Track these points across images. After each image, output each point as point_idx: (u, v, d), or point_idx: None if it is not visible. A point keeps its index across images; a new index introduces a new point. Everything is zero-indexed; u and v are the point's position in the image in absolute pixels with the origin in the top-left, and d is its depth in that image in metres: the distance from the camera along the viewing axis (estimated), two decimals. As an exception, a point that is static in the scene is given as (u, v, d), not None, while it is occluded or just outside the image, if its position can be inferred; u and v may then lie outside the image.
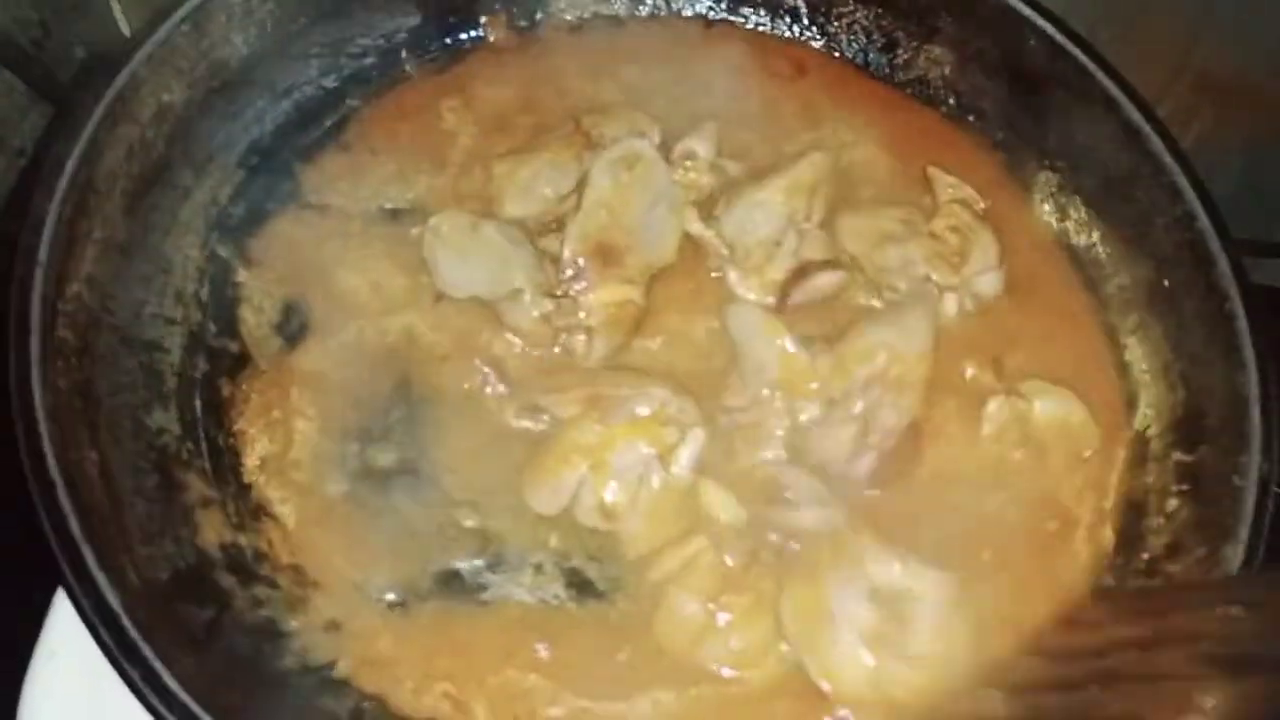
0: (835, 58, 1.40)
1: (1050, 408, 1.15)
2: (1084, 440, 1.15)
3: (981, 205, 1.27)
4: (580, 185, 1.20)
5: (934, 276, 1.20)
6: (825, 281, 1.19)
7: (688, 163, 1.24)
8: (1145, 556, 1.10)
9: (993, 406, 1.14)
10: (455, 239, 1.18)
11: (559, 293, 1.16)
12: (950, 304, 1.20)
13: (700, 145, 1.25)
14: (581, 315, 1.16)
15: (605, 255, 1.17)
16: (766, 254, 1.20)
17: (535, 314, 1.16)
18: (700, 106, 1.30)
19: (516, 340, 1.16)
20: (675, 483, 1.08)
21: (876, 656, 0.99)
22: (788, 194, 1.21)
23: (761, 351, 1.12)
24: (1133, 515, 1.13)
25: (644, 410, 1.08)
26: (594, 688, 1.01)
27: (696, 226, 1.22)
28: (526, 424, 1.12)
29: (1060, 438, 1.15)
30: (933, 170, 1.28)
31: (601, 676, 1.02)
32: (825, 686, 1.00)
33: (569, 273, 1.15)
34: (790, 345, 1.11)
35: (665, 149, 1.24)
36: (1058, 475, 1.14)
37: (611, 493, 1.07)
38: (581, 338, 1.15)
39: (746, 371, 1.13)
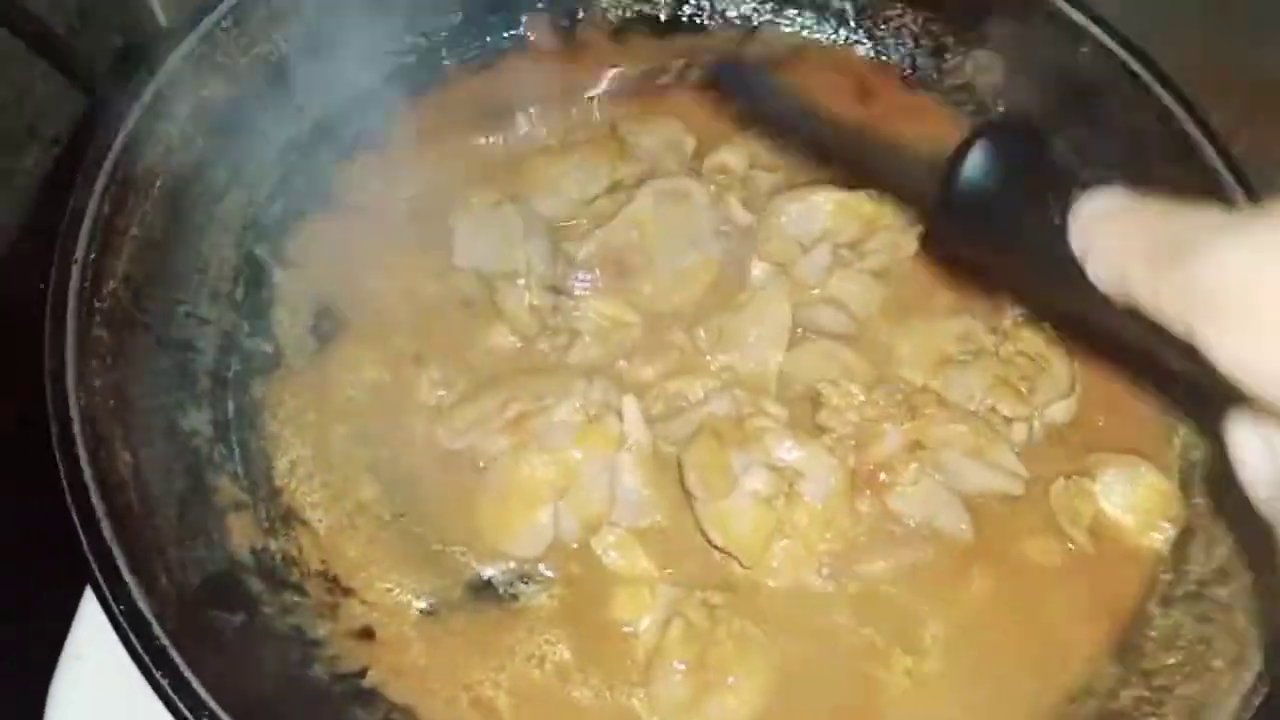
0: (907, 82, 1.38)
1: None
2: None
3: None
4: (612, 190, 1.20)
5: (1000, 408, 1.12)
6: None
7: (720, 176, 1.22)
8: (1191, 579, 1.08)
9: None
10: (479, 211, 1.19)
11: (561, 289, 1.15)
12: (1020, 435, 1.13)
13: (733, 158, 1.23)
14: (576, 315, 1.15)
15: (619, 270, 1.16)
16: (795, 253, 1.17)
17: (528, 301, 1.14)
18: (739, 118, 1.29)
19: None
20: (641, 451, 1.07)
21: (764, 518, 1.03)
22: (838, 207, 1.18)
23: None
24: (1181, 538, 1.10)
25: (570, 413, 1.06)
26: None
27: (741, 214, 1.20)
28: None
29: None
30: None
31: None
32: (715, 536, 1.03)
33: (579, 273, 1.15)
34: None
35: (699, 159, 1.24)
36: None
37: (591, 506, 1.06)
38: (564, 339, 1.14)
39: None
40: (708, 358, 1.15)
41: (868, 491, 1.08)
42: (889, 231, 1.20)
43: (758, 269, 1.18)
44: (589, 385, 1.08)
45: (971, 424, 1.10)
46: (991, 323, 1.19)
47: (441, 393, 1.12)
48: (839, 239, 1.19)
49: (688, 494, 1.04)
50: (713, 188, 1.21)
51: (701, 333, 1.15)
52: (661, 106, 1.32)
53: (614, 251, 1.16)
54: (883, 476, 1.08)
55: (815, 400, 1.11)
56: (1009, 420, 1.13)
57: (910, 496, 1.08)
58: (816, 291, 1.17)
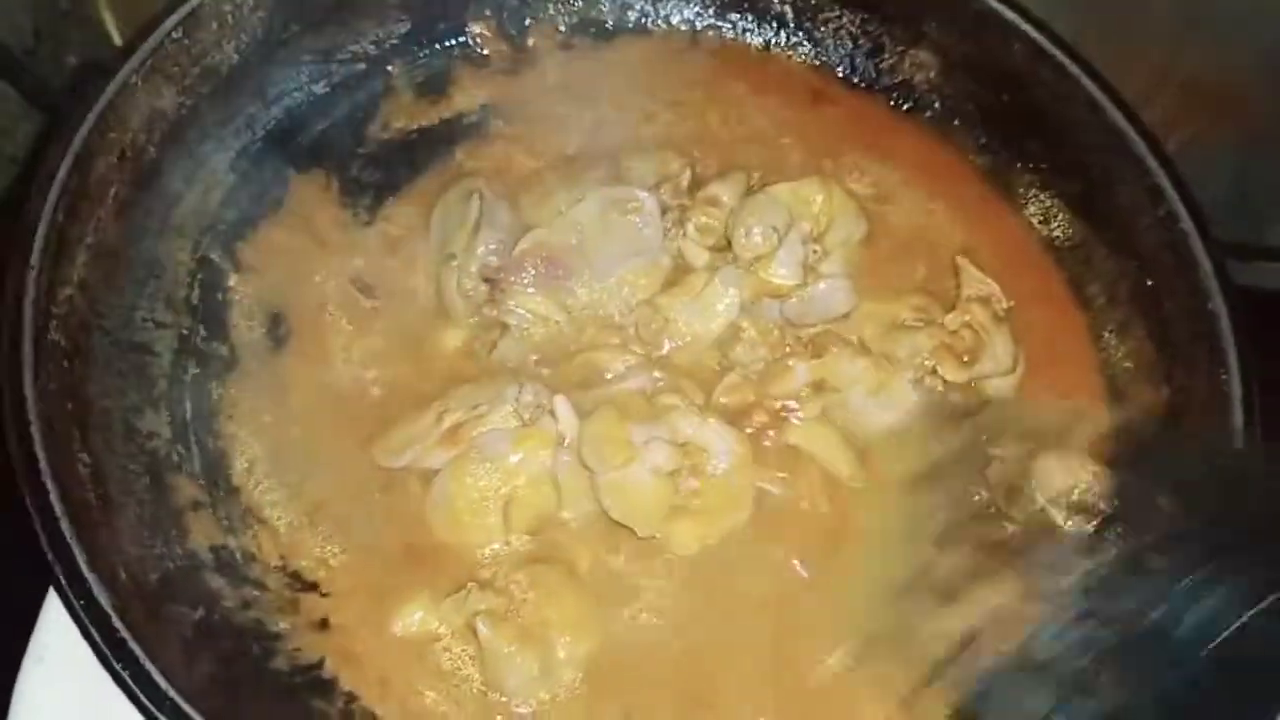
0: (854, 85, 1.41)
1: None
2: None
3: (1005, 305, 1.23)
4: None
5: (939, 370, 1.17)
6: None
7: (711, 209, 1.22)
8: (1130, 552, 1.10)
9: None
10: (452, 198, 1.22)
11: (495, 281, 1.17)
12: (954, 398, 1.18)
13: (726, 193, 1.23)
14: (511, 305, 1.17)
15: (552, 268, 1.18)
16: (764, 250, 1.19)
17: (459, 284, 1.17)
18: (697, 133, 1.34)
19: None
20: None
21: (661, 492, 1.06)
22: (792, 195, 1.21)
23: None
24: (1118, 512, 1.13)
25: (505, 419, 1.08)
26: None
27: (699, 256, 1.22)
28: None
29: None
30: (961, 260, 1.25)
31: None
32: (610, 507, 1.06)
33: (513, 267, 1.17)
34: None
35: (693, 189, 1.25)
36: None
37: (537, 506, 1.08)
38: (496, 333, 1.17)
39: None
40: (648, 346, 1.18)
41: (770, 430, 1.13)
42: (843, 220, 1.24)
43: (701, 259, 1.21)
44: (520, 389, 1.10)
45: (872, 359, 1.15)
46: (945, 297, 1.23)
47: (377, 391, 1.16)
48: (803, 232, 1.21)
49: (584, 466, 1.07)
50: (669, 213, 1.23)
51: (645, 322, 1.18)
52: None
53: (550, 248, 1.18)
54: (785, 405, 1.14)
55: (733, 336, 1.16)
56: (946, 384, 1.17)
57: (807, 430, 1.13)
58: (795, 299, 1.19)
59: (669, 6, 1.43)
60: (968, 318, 1.20)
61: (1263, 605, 0.83)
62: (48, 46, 1.55)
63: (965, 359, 1.18)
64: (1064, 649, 0.95)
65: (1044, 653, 0.95)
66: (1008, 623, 0.99)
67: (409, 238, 1.24)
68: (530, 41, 1.40)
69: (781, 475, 1.12)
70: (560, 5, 1.41)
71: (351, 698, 1.01)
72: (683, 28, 1.43)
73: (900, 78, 1.39)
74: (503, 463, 1.07)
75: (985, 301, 1.22)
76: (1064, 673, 0.94)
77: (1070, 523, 1.05)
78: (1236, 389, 1.08)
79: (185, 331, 1.16)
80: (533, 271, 1.18)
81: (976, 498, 1.12)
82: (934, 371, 1.17)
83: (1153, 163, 1.20)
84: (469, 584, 1.04)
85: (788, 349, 1.17)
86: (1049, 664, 0.95)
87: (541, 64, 1.39)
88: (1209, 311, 1.12)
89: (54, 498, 0.93)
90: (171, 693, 0.88)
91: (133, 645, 0.89)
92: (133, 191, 1.13)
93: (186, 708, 0.88)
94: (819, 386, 1.15)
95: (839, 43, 1.41)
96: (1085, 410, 1.20)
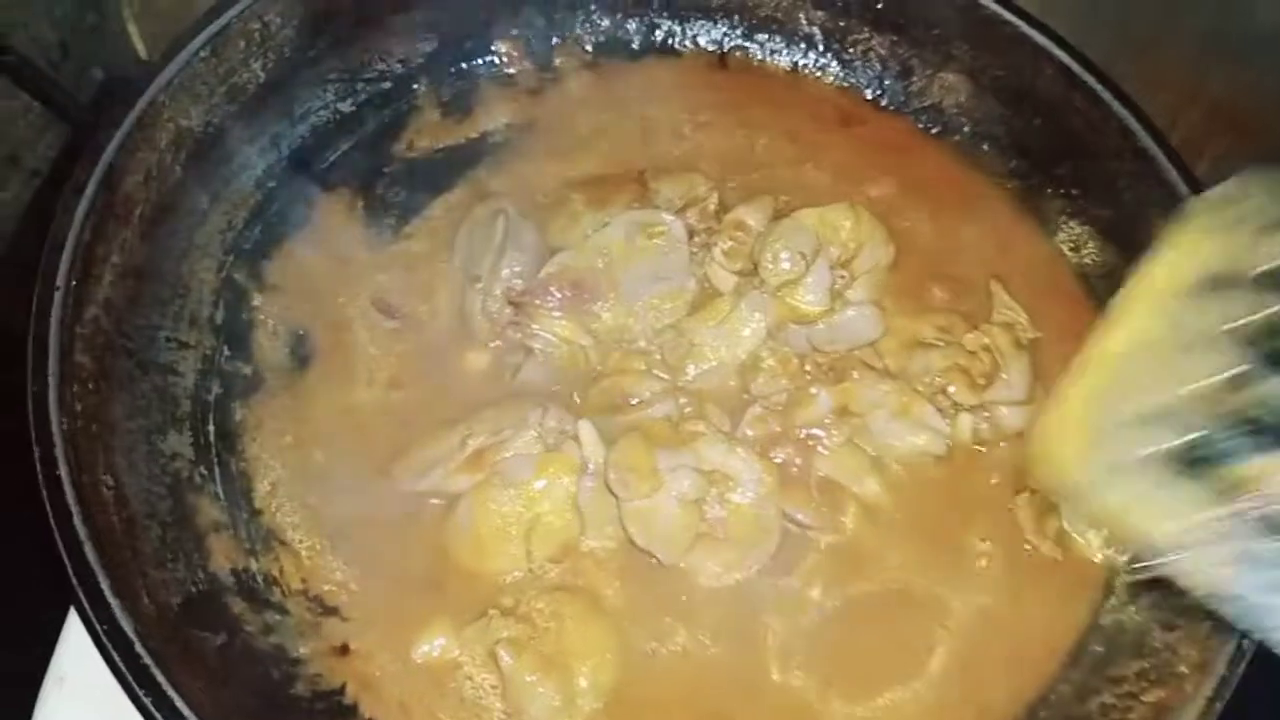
0: (882, 108, 1.40)
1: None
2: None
3: (1030, 335, 1.21)
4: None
5: (950, 390, 1.16)
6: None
7: (737, 233, 1.22)
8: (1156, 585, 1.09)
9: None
10: (479, 217, 1.22)
11: (520, 304, 1.16)
12: (965, 426, 1.16)
13: (752, 218, 1.22)
14: (535, 328, 1.16)
15: (579, 292, 1.17)
16: (792, 276, 1.18)
17: (483, 306, 1.16)
18: (724, 156, 1.33)
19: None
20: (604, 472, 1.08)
21: (687, 519, 1.06)
22: (820, 221, 1.20)
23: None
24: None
25: (528, 444, 1.08)
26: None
27: (726, 281, 1.21)
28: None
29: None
30: (995, 286, 1.24)
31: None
32: (635, 534, 1.06)
33: (539, 290, 1.16)
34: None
35: (720, 212, 1.24)
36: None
37: (560, 533, 1.08)
38: (520, 356, 1.16)
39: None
40: (673, 371, 1.17)
41: (797, 459, 1.12)
42: (871, 246, 1.22)
43: (728, 284, 1.20)
44: (544, 414, 1.09)
45: (895, 384, 1.14)
46: (973, 320, 1.22)
47: (400, 413, 1.15)
48: (831, 257, 1.20)
49: (611, 493, 1.06)
50: (696, 237, 1.22)
51: (670, 347, 1.17)
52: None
53: (576, 273, 1.17)
54: (810, 433, 1.13)
55: (753, 366, 1.15)
56: (956, 406, 1.16)
57: (835, 459, 1.12)
58: (822, 325, 1.17)
59: (696, 27, 1.42)
60: (987, 340, 1.19)
61: None
62: (74, 61, 1.55)
63: (980, 382, 1.17)
64: None
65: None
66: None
67: (434, 258, 1.24)
68: (556, 61, 1.40)
69: (810, 505, 1.11)
70: (587, 25, 1.41)
71: (374, 723, 1.01)
72: (710, 48, 1.43)
73: (929, 101, 1.38)
74: (526, 488, 1.07)
75: (1009, 328, 1.21)
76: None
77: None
78: (1268, 420, 1.07)
79: (209, 351, 1.16)
80: (558, 295, 1.17)
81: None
82: (945, 391, 1.16)
83: (1184, 190, 1.18)
84: (491, 611, 1.04)
85: (809, 376, 1.16)
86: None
87: (567, 84, 1.39)
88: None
89: (78, 520, 0.92)
90: (193, 719, 0.87)
91: (155, 670, 0.88)
92: (159, 211, 1.13)
93: (209, 735, 0.87)
94: (843, 412, 1.14)
95: (868, 65, 1.40)
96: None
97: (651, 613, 1.07)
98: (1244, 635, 0.97)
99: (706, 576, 1.07)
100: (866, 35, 1.39)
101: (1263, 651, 0.92)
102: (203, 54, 1.15)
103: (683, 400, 1.13)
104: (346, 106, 1.31)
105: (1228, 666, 0.97)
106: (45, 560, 0.92)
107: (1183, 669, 1.00)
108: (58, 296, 1.00)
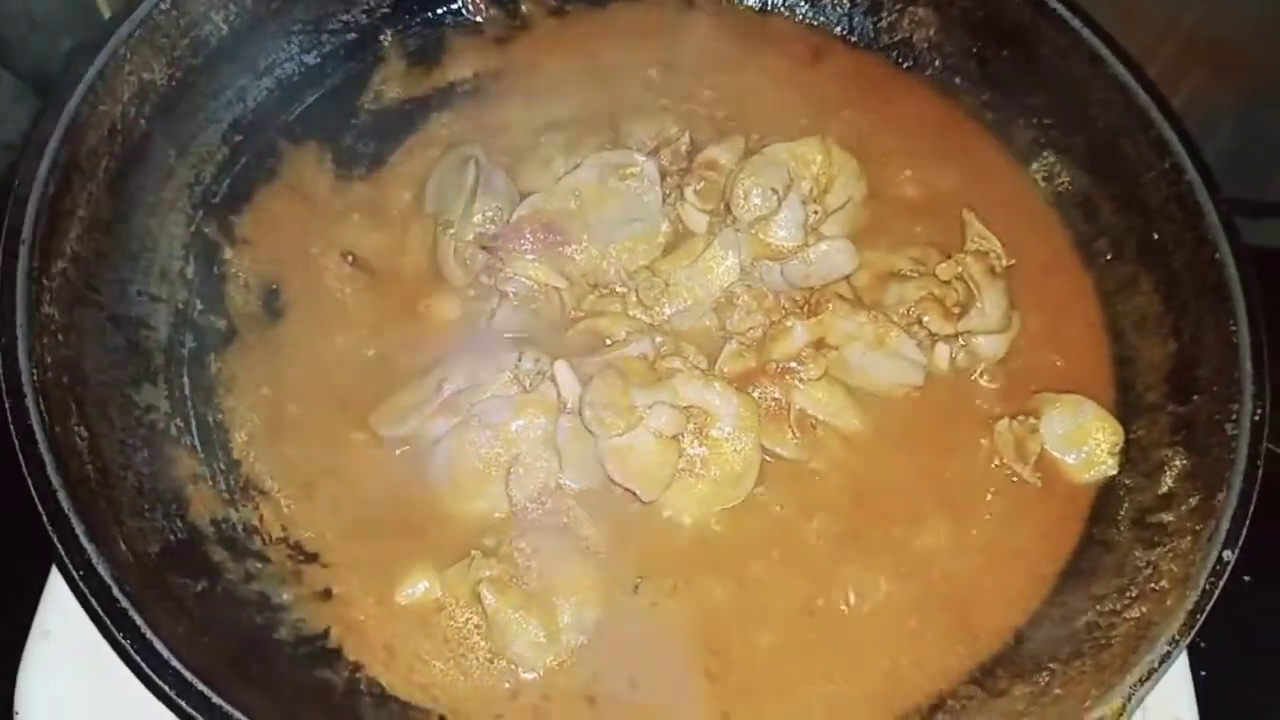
0: (853, 44, 1.40)
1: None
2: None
3: (1004, 262, 1.21)
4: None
5: (926, 320, 1.16)
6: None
7: (709, 173, 1.21)
8: (1138, 505, 1.10)
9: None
10: (450, 162, 1.22)
11: (492, 248, 1.16)
12: (942, 355, 1.17)
13: (724, 157, 1.22)
14: (509, 272, 1.15)
15: (552, 234, 1.16)
16: (764, 212, 1.17)
17: (456, 252, 1.16)
18: (695, 95, 1.32)
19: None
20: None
21: (665, 455, 1.06)
22: (791, 155, 1.19)
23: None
24: (1126, 466, 1.13)
25: (505, 386, 1.08)
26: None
27: (699, 220, 1.20)
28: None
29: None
30: (968, 214, 1.24)
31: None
32: (613, 471, 1.05)
33: (511, 234, 1.16)
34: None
35: (691, 154, 1.23)
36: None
37: (539, 473, 1.07)
38: (495, 300, 1.16)
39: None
40: (649, 311, 1.16)
41: (775, 393, 1.12)
42: (843, 180, 1.22)
43: (701, 223, 1.20)
44: (520, 356, 1.09)
45: (870, 315, 1.14)
46: (946, 251, 1.22)
47: (375, 361, 1.14)
48: (803, 192, 1.19)
49: (589, 431, 1.05)
50: (668, 178, 1.22)
51: (645, 287, 1.16)
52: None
53: (548, 217, 1.16)
54: (787, 367, 1.12)
55: (728, 304, 1.15)
56: (933, 335, 1.16)
57: (813, 392, 1.12)
58: (796, 261, 1.15)
59: (663, -31, 1.41)
60: (960, 270, 1.19)
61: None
62: (42, 32, 1.53)
63: (955, 311, 1.17)
64: None
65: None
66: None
67: (405, 207, 1.23)
68: (523, 8, 1.39)
69: (789, 439, 1.11)
70: (553, -30, 1.40)
71: (357, 667, 1.01)
72: (678, -13, 1.42)
73: (900, 35, 1.38)
74: (504, 430, 1.06)
75: (983, 256, 1.21)
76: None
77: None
78: (1245, 338, 1.07)
79: (181, 305, 1.15)
80: (531, 238, 1.16)
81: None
82: (920, 322, 1.16)
83: (1157, 115, 1.19)
84: (472, 552, 1.03)
85: (784, 310, 1.15)
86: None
87: (535, 30, 1.38)
88: (1216, 262, 1.11)
89: (51, 470, 0.92)
90: (174, 662, 0.87)
91: (134, 614, 0.87)
92: (124, 165, 1.11)
93: (190, 677, 0.87)
94: (819, 345, 1.14)
95: (836, 1, 1.39)
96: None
97: (633, 549, 1.07)
98: (1224, 548, 0.98)
99: (686, 511, 1.08)
100: (834, -28, 1.38)
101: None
102: (163, 6, 1.14)
103: (659, 339, 1.13)
104: (312, 59, 1.30)
105: (1208, 580, 0.97)
106: (28, 522, 0.91)
107: (1164, 584, 1.01)
108: (23, 250, 0.99)
